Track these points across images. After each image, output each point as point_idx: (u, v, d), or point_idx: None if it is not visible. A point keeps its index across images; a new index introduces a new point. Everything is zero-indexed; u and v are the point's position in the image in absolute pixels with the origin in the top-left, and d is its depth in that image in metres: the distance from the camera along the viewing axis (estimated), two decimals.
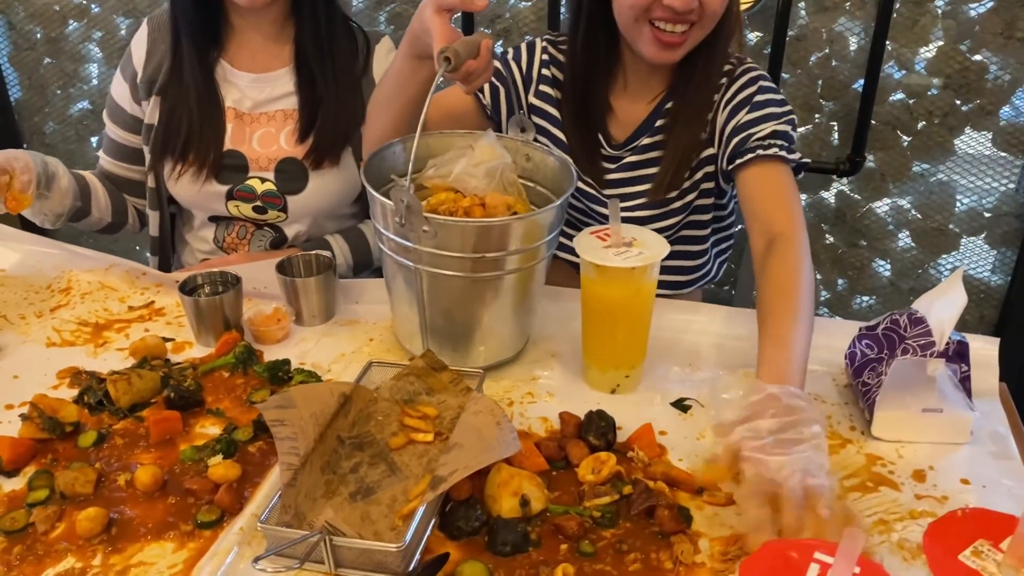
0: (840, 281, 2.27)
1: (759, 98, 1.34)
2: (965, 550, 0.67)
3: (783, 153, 1.28)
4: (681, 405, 1.19)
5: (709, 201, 1.47)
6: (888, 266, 2.22)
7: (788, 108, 1.34)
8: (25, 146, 2.63)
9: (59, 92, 2.55)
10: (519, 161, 1.33)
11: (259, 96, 1.58)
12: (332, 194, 1.60)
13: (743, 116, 1.33)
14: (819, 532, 0.85)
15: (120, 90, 1.63)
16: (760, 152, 1.28)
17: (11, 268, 1.52)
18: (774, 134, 1.30)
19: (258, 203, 1.58)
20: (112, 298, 1.44)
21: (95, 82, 2.53)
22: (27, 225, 1.68)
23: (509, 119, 1.42)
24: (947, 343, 1.09)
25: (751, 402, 1.00)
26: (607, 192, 1.46)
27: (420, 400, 1.17)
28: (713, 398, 1.18)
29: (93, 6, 2.43)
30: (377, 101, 1.37)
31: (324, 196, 1.59)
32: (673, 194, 1.42)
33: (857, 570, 0.64)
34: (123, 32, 2.45)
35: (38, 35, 2.51)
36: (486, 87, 1.48)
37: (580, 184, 1.46)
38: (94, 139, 2.57)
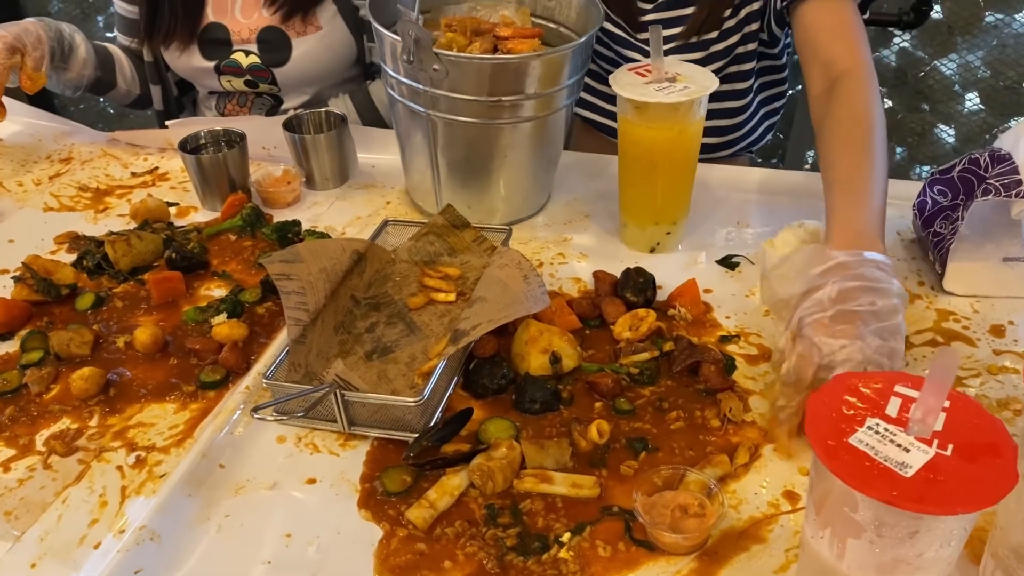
0: (899, 150, 2.10)
1: None
2: None
3: None
4: (728, 263, 1.08)
5: (753, 47, 1.31)
6: (952, 132, 2.05)
7: None
8: None
9: None
10: (540, 0, 1.19)
11: None
12: (321, 61, 1.46)
13: None
14: None
15: None
16: None
17: (9, 137, 1.43)
18: None
19: (247, 77, 1.46)
20: (114, 164, 1.35)
21: None
22: (33, 99, 1.58)
23: None
24: None
25: (815, 274, 0.82)
26: (641, 36, 1.31)
27: (441, 261, 1.07)
28: (765, 255, 1.04)
29: None
30: None
31: (313, 64, 1.46)
32: (714, 35, 1.28)
33: (947, 403, 0.54)
34: None
35: None
36: None
37: (609, 26, 1.32)
38: (100, 18, 2.44)
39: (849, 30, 1.11)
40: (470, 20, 1.10)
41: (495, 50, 1.08)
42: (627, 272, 1.01)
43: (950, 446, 0.52)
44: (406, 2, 1.14)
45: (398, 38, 0.99)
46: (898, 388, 0.56)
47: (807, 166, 2.03)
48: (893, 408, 0.55)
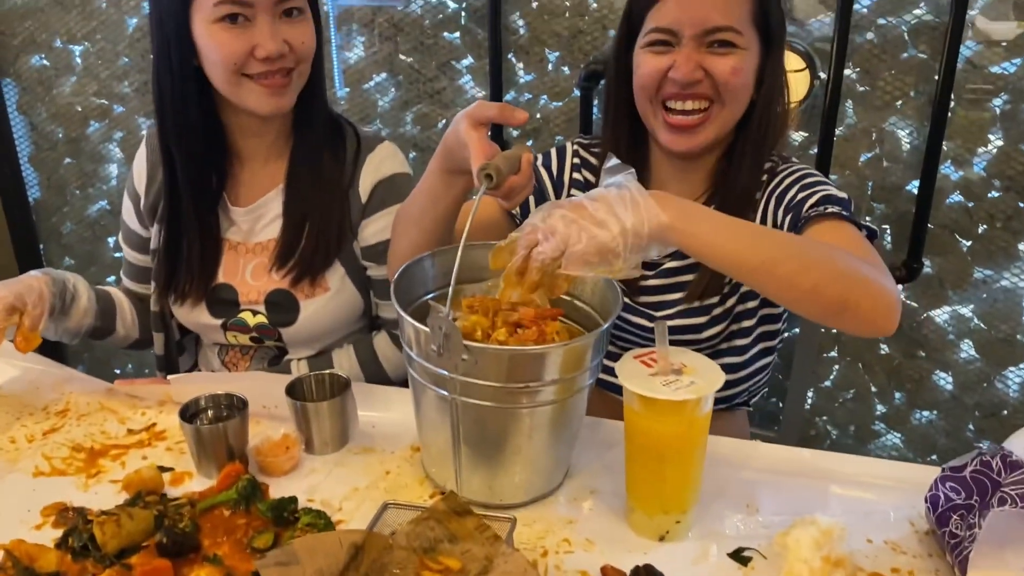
0: (897, 394, 2.11)
1: (808, 180, 1.26)
2: None
3: (846, 213, 1.17)
4: (740, 557, 1.04)
5: (754, 304, 1.34)
6: (950, 379, 2.06)
7: (842, 193, 1.24)
8: (42, 247, 2.58)
9: (78, 192, 2.51)
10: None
11: (252, 225, 1.49)
12: (329, 321, 1.48)
13: (795, 195, 1.24)
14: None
15: (128, 212, 1.57)
16: (814, 215, 1.18)
17: (7, 384, 1.42)
18: (827, 198, 1.20)
19: (253, 334, 1.48)
20: (111, 420, 1.33)
21: (114, 182, 2.49)
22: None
23: None
24: None
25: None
26: (641, 299, 1.35)
27: (441, 549, 1.03)
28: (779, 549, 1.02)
29: (115, 107, 2.41)
30: (405, 217, 1.28)
31: (320, 324, 1.48)
32: (714, 299, 1.31)
33: None
34: (144, 132, 2.42)
35: (59, 135, 2.49)
36: None
37: None
38: (111, 239, 2.52)
39: (859, 247, 1.13)
40: (492, 301, 1.11)
41: (516, 329, 1.09)
42: (637, 572, 0.97)
43: None
44: (427, 281, 1.17)
45: (426, 328, 1.00)
46: None
47: (807, 405, 2.04)
48: None
